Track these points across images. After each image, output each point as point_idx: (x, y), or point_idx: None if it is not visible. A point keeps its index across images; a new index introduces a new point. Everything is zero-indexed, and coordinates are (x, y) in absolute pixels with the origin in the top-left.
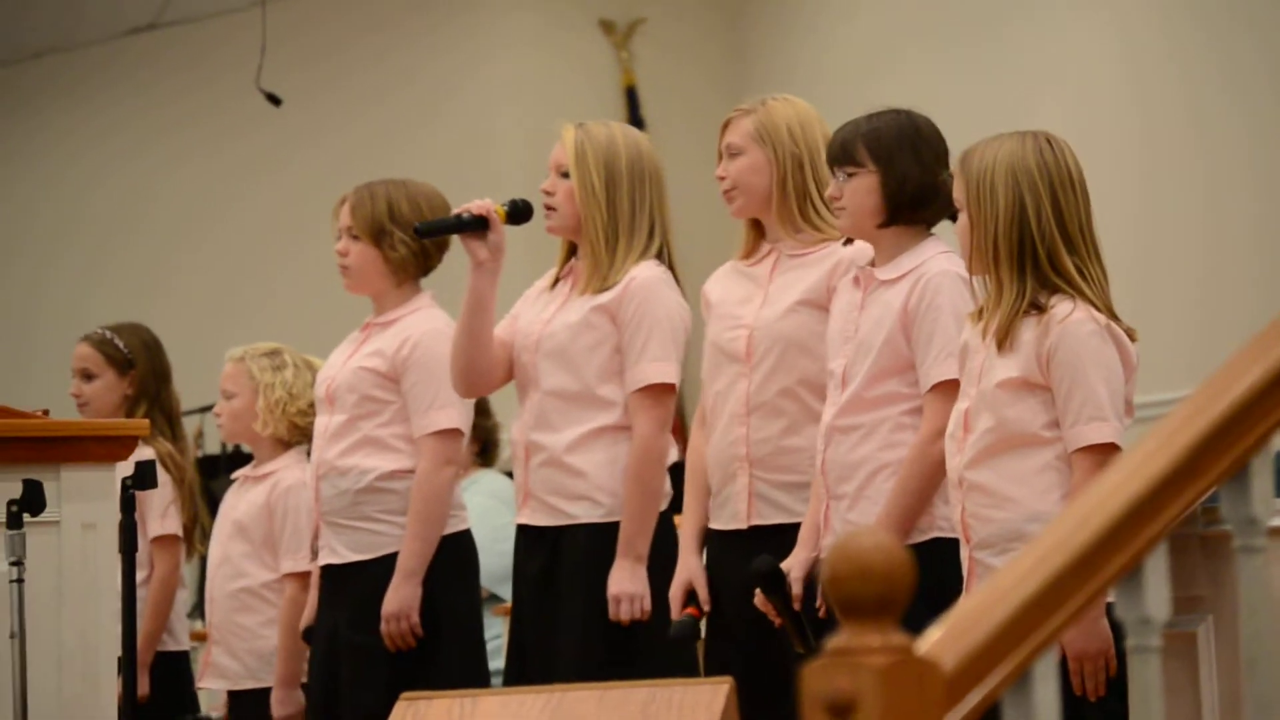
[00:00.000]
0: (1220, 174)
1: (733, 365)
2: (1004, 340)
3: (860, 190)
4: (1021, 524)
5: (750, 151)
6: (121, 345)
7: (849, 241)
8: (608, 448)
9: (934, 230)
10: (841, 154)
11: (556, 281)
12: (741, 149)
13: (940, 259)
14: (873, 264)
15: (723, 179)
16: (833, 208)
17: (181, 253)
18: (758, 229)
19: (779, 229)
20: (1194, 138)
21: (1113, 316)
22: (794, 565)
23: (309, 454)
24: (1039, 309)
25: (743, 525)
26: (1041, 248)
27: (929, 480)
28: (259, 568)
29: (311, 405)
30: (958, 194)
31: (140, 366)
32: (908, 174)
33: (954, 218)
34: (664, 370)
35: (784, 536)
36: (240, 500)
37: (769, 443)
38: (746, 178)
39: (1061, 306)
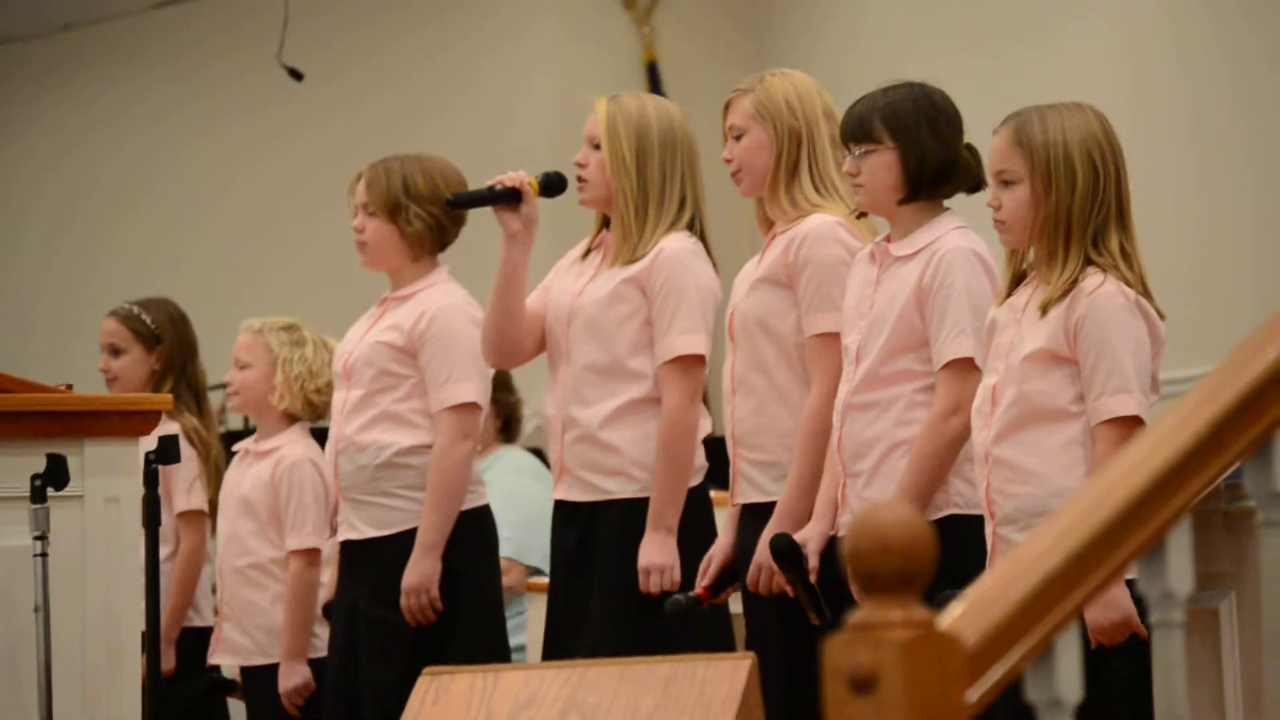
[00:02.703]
0: (1218, 159)
1: (728, 344)
2: (1046, 312)
3: (880, 167)
4: (1045, 499)
5: (752, 131)
6: (149, 320)
7: (863, 215)
8: (641, 423)
9: (948, 204)
10: (858, 130)
11: (588, 252)
12: (744, 129)
13: (955, 235)
14: (888, 239)
15: (729, 161)
16: (851, 185)
17: (200, 225)
18: (763, 207)
19: (771, 206)
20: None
21: (1144, 293)
22: (810, 538)
23: (313, 431)
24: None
25: (735, 502)
26: (1105, 222)
27: (942, 457)
28: (266, 544)
29: (329, 384)
30: (1013, 166)
31: (167, 341)
32: (927, 149)
33: (970, 191)
34: (693, 341)
35: (761, 515)
36: (245, 476)
37: (744, 421)
38: (750, 158)
39: (1091, 279)
